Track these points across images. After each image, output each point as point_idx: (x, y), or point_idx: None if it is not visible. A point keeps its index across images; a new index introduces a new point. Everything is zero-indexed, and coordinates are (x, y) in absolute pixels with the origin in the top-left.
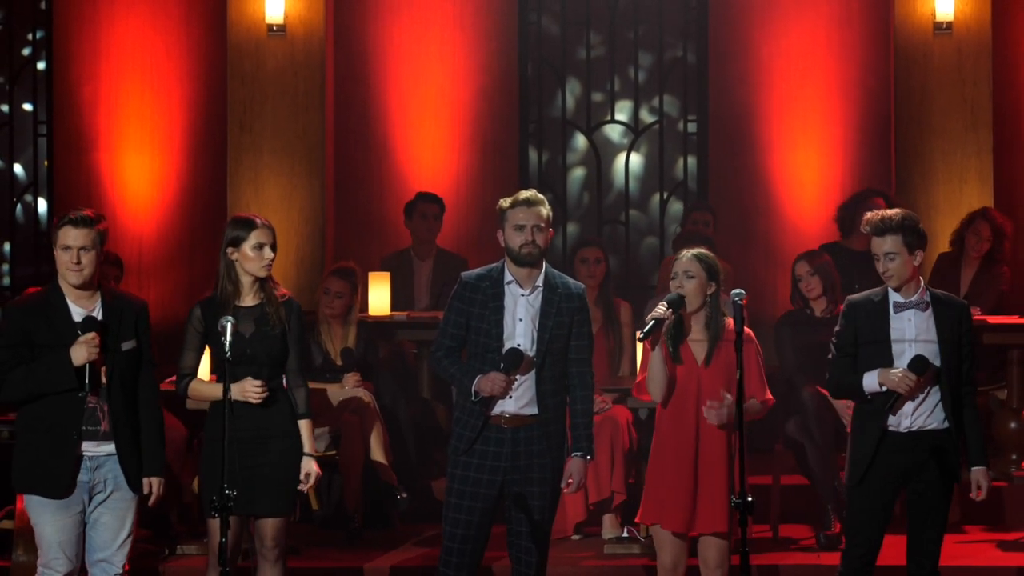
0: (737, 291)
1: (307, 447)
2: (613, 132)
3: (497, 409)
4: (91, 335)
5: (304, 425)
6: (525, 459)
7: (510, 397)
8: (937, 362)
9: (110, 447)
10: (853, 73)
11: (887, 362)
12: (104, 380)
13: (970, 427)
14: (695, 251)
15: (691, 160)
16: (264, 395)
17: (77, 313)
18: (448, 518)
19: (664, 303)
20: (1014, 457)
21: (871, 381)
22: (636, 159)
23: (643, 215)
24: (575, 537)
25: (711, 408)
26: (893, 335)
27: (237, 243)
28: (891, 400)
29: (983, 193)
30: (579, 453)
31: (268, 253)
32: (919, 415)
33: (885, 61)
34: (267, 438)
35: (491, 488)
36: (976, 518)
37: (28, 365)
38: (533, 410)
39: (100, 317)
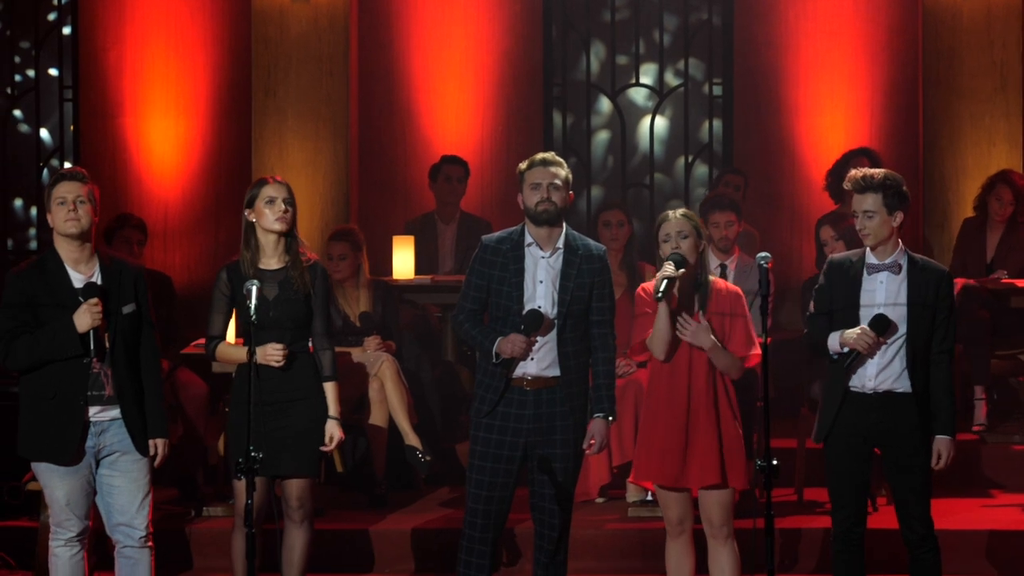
0: (763, 254)
1: (332, 410)
2: (638, 95)
3: (519, 371)
4: (94, 301)
5: (330, 388)
6: (548, 421)
7: (531, 359)
8: (903, 326)
9: (115, 412)
10: (880, 35)
11: (854, 324)
12: (107, 345)
13: (939, 394)
14: (680, 211)
15: (716, 123)
16: (284, 359)
17: (76, 279)
18: (472, 480)
19: (670, 262)
20: None
21: (833, 341)
22: (661, 122)
23: (668, 179)
24: (599, 500)
25: (685, 324)
26: (863, 299)
27: (251, 203)
28: (850, 358)
29: (1012, 156)
30: (601, 414)
31: (281, 205)
32: (885, 377)
33: (913, 23)
34: (292, 401)
35: (514, 450)
36: (1002, 483)
37: (32, 333)
38: (555, 372)
39: (99, 282)
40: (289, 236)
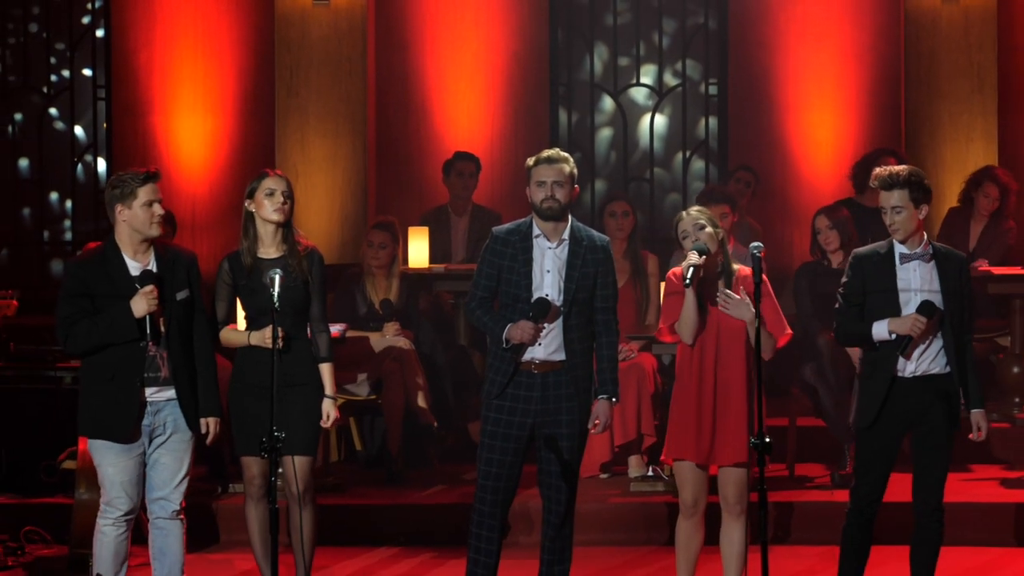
0: (755, 244)
1: (328, 389)
2: (638, 95)
3: (527, 356)
4: (150, 288)
5: (325, 369)
6: (554, 402)
7: (539, 344)
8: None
9: (170, 392)
10: (865, 38)
11: (894, 311)
12: (163, 329)
13: (970, 372)
14: (693, 209)
15: (712, 121)
16: (283, 341)
17: (134, 267)
18: (483, 458)
19: (694, 252)
20: (1017, 400)
21: (880, 329)
22: (660, 120)
23: (667, 173)
24: (603, 476)
25: (727, 299)
26: (900, 285)
27: (252, 194)
28: (903, 344)
29: (988, 152)
30: (605, 396)
31: (279, 198)
32: (923, 360)
33: (896, 26)
34: (291, 385)
35: (522, 430)
36: (981, 457)
37: (92, 318)
38: (561, 356)
39: (155, 270)
40: (286, 227)
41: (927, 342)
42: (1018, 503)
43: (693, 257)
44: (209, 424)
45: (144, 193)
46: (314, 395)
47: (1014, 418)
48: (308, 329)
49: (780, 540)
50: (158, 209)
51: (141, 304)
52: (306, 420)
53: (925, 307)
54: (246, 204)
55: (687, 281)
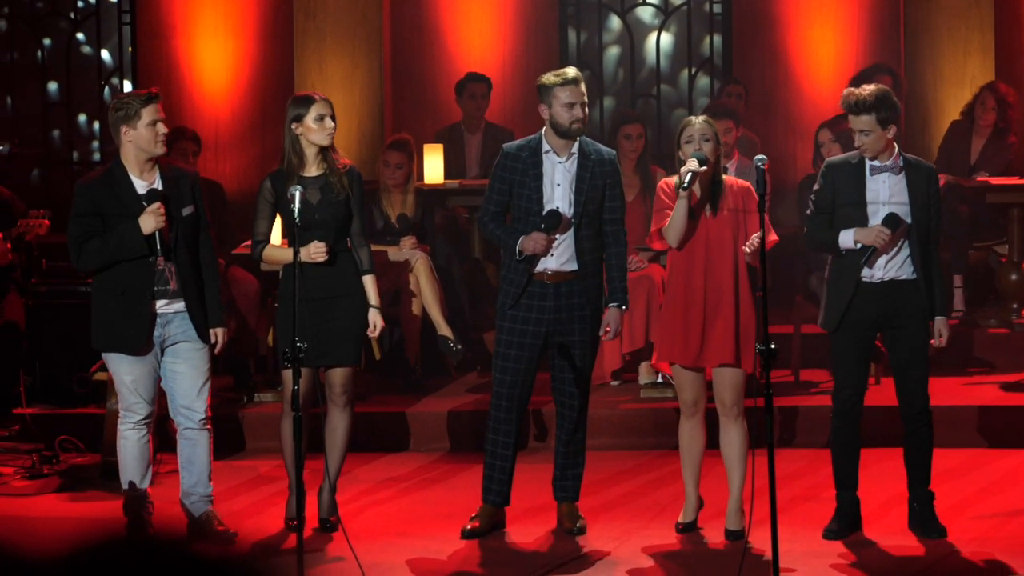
0: (760, 157)
1: (372, 300)
2: (645, 13)
3: (540, 266)
4: (157, 205)
5: (368, 280)
6: (566, 311)
7: (551, 255)
8: (907, 220)
9: (179, 304)
10: None
11: (862, 221)
12: (171, 244)
13: (935, 280)
14: (702, 118)
15: (716, 38)
16: (327, 255)
17: (140, 186)
18: (498, 366)
19: (694, 159)
20: (1015, 306)
21: (847, 238)
22: (666, 38)
23: (673, 89)
24: (614, 383)
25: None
26: (868, 197)
27: (300, 118)
28: (867, 254)
29: (985, 65)
30: (615, 303)
31: (329, 123)
32: (891, 267)
33: None
34: (335, 296)
35: (536, 339)
36: (981, 362)
37: (102, 236)
38: (573, 266)
39: (160, 188)
40: (326, 147)
41: (895, 250)
42: (1017, 406)
43: (693, 164)
44: (217, 335)
45: (147, 113)
46: (356, 306)
47: (1012, 324)
48: (349, 243)
49: (785, 443)
50: (162, 128)
51: (149, 221)
52: (349, 330)
53: (890, 219)
54: (292, 127)
55: (684, 186)
